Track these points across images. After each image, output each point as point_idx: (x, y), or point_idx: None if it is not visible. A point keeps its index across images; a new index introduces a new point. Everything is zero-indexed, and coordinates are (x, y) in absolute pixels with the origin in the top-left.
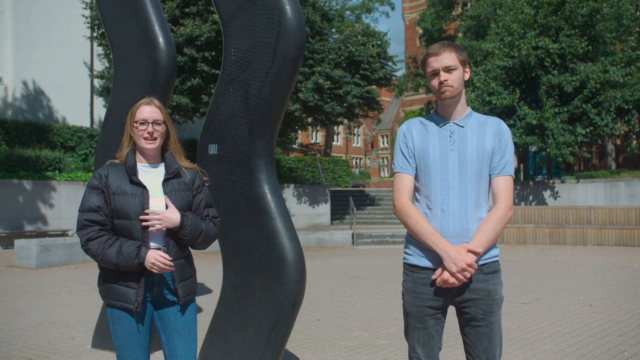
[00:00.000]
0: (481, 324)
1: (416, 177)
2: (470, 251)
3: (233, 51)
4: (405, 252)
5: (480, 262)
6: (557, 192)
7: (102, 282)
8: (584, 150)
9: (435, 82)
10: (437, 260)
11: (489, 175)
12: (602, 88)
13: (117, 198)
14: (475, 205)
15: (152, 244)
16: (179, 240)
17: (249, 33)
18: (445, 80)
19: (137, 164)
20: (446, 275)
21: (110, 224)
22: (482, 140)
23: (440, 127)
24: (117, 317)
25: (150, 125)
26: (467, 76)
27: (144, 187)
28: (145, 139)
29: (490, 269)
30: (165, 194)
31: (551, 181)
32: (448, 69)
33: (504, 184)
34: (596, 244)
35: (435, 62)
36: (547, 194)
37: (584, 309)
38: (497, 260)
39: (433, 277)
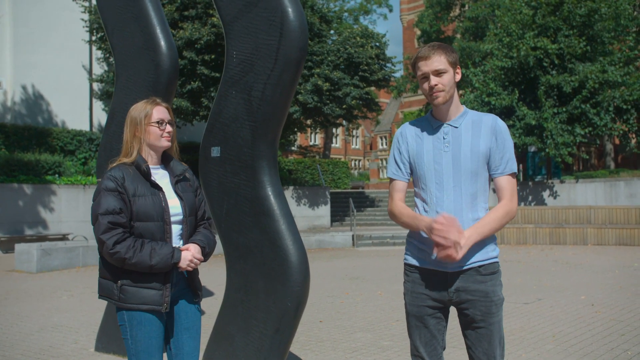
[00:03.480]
0: (480, 325)
1: (414, 182)
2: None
3: (235, 54)
4: (405, 253)
5: (478, 264)
6: (557, 192)
7: (117, 288)
8: (583, 150)
9: (426, 86)
10: (434, 260)
11: (491, 174)
12: (600, 88)
13: (139, 200)
14: (471, 205)
15: (174, 244)
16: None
17: (251, 35)
18: (436, 85)
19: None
20: (441, 252)
21: (129, 226)
22: (477, 140)
23: (434, 129)
24: (137, 321)
25: (168, 125)
26: (458, 77)
27: (160, 189)
28: (165, 137)
29: (488, 270)
30: (178, 195)
31: (550, 181)
32: (438, 73)
33: (508, 182)
34: (596, 243)
35: (425, 66)
36: (546, 194)
37: (586, 308)
38: (496, 262)
39: (435, 252)
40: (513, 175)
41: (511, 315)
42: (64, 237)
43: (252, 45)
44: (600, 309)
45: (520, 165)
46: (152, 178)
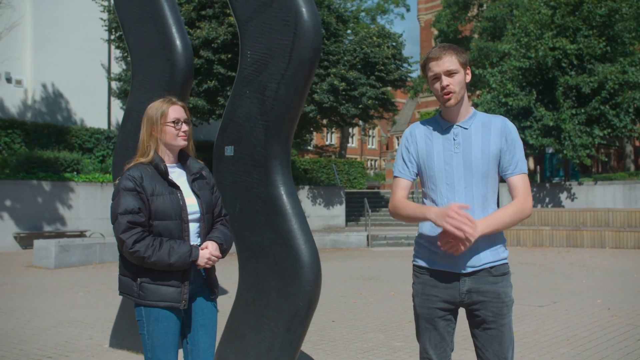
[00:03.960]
0: (491, 327)
1: (422, 183)
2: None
3: (249, 53)
4: (414, 255)
5: (490, 265)
6: (574, 194)
7: (137, 285)
8: (602, 152)
9: (437, 87)
10: (445, 261)
11: (503, 175)
12: (620, 89)
13: (157, 199)
14: (482, 207)
15: (192, 242)
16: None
17: (265, 35)
18: (448, 85)
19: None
20: (444, 241)
21: (149, 225)
22: (487, 141)
23: (444, 130)
24: (154, 317)
25: (184, 124)
26: (468, 78)
27: (177, 188)
28: (181, 137)
29: (499, 272)
30: (195, 194)
31: (568, 183)
32: (449, 73)
33: (521, 181)
34: (614, 246)
35: (437, 67)
36: (563, 195)
37: (602, 312)
38: (506, 263)
39: (439, 244)
40: (525, 175)
41: (525, 318)
42: (81, 234)
43: (266, 45)
44: (617, 313)
45: (538, 167)
46: (170, 177)
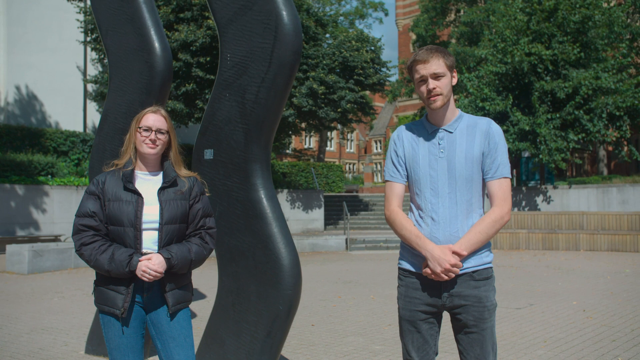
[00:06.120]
0: (473, 330)
1: (409, 186)
2: (454, 252)
3: (229, 56)
4: (400, 257)
5: (472, 269)
6: (550, 198)
7: (95, 286)
8: (576, 156)
9: (423, 89)
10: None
11: (484, 179)
12: (594, 94)
13: (112, 204)
14: (467, 212)
15: (145, 250)
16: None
17: (245, 38)
18: (434, 88)
19: (137, 171)
20: (428, 270)
21: (105, 230)
22: (471, 145)
23: (430, 134)
24: (107, 320)
25: (153, 132)
26: (454, 81)
27: (138, 195)
28: (147, 144)
29: (481, 276)
30: (160, 202)
31: (544, 187)
32: (436, 76)
33: (499, 187)
34: (588, 249)
35: (424, 69)
36: (539, 199)
37: (577, 314)
38: (490, 267)
39: (423, 271)
40: (505, 179)
41: (503, 320)
42: (56, 239)
43: (246, 48)
44: (592, 314)
45: (514, 171)
46: (132, 183)
